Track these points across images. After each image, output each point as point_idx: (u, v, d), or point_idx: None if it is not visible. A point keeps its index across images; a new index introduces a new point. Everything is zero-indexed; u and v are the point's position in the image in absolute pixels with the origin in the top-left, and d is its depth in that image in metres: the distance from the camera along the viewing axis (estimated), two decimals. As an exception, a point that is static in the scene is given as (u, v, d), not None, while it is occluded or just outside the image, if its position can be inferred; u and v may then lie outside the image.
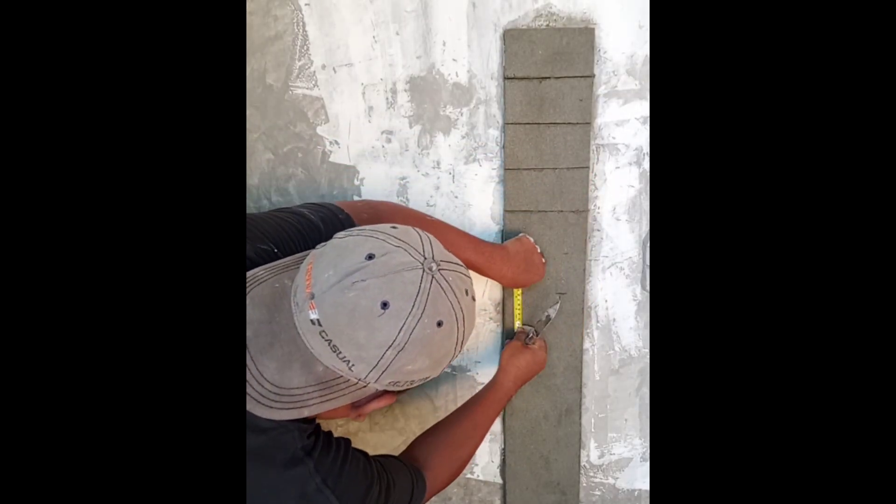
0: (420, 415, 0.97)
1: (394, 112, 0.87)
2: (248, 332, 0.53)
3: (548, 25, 0.83)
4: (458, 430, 0.76)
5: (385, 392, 0.59)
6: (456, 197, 0.89)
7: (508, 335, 0.91)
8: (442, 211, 0.89)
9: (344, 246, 0.53)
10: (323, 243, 0.57)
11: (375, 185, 0.89)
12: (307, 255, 0.56)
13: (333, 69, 0.85)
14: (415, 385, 0.57)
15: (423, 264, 0.52)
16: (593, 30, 0.82)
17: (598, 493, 0.99)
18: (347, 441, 0.63)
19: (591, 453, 0.98)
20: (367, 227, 0.56)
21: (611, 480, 0.99)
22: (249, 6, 0.83)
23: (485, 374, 0.95)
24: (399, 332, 0.51)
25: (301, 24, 0.84)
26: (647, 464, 0.98)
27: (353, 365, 0.52)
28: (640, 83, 0.84)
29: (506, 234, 0.89)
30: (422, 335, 0.52)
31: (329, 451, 0.59)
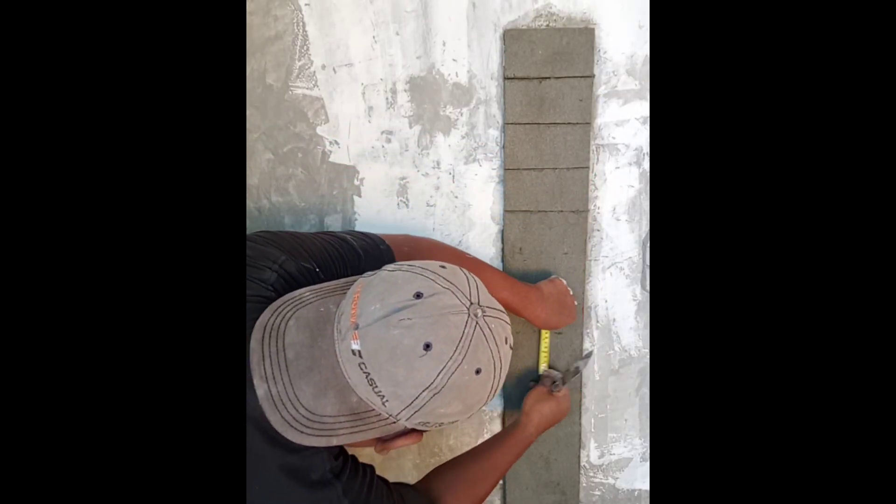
0: (420, 415, 0.97)
1: (394, 112, 0.87)
2: (290, 354, 0.53)
3: (548, 25, 0.83)
4: (475, 469, 0.76)
5: (412, 430, 0.58)
6: (456, 197, 0.89)
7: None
8: (442, 211, 0.89)
9: (393, 280, 0.53)
10: (372, 272, 0.57)
11: (375, 185, 0.89)
12: (355, 282, 0.56)
13: (333, 69, 0.85)
14: (442, 427, 0.57)
15: (469, 309, 0.52)
16: (593, 30, 0.82)
17: (598, 493, 0.99)
18: (372, 468, 0.64)
19: (591, 453, 0.98)
20: (417, 263, 0.56)
21: (611, 480, 0.99)
22: (249, 6, 0.83)
23: (485, 374, 0.95)
24: (438, 376, 0.51)
25: (301, 24, 0.84)
26: (647, 464, 0.98)
27: (387, 400, 0.52)
28: (640, 83, 0.84)
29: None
30: (460, 381, 0.52)
31: (356, 476, 0.59)
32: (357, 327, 0.51)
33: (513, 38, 0.83)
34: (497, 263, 0.91)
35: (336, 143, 0.88)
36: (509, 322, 0.58)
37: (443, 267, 0.56)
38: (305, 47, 0.85)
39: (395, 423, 0.54)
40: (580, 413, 0.94)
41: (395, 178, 0.89)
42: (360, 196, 0.90)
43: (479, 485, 0.75)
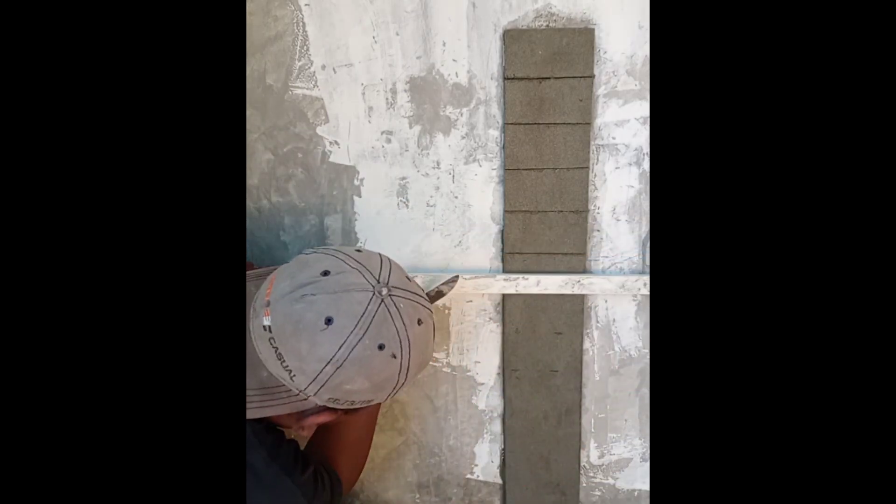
0: (420, 415, 0.97)
1: (394, 112, 0.87)
2: None
3: (548, 26, 0.83)
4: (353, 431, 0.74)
5: (326, 408, 0.59)
6: (456, 197, 0.89)
7: None
8: (442, 211, 0.89)
9: (305, 261, 0.56)
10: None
11: (375, 185, 0.89)
12: (275, 269, 0.59)
13: (333, 69, 0.86)
14: (356, 406, 0.57)
15: (374, 287, 0.54)
16: (593, 30, 0.82)
17: (598, 493, 0.99)
18: (296, 443, 0.65)
19: (591, 453, 0.98)
20: (335, 246, 0.58)
21: (611, 480, 0.99)
22: (249, 6, 0.83)
23: (485, 374, 0.95)
24: (339, 349, 0.52)
25: (301, 24, 0.84)
26: (647, 464, 0.98)
27: (294, 375, 0.53)
28: (640, 83, 0.84)
29: (504, 236, 0.89)
30: (361, 355, 0.53)
31: (281, 444, 0.61)
32: (269, 304, 0.53)
33: (513, 39, 0.83)
34: (497, 264, 0.91)
35: (336, 143, 0.88)
36: (429, 307, 0.58)
37: (358, 251, 0.57)
38: (305, 47, 0.85)
39: (305, 399, 0.55)
40: (580, 413, 0.94)
41: (395, 178, 0.89)
42: (359, 196, 0.90)
43: (361, 445, 0.74)
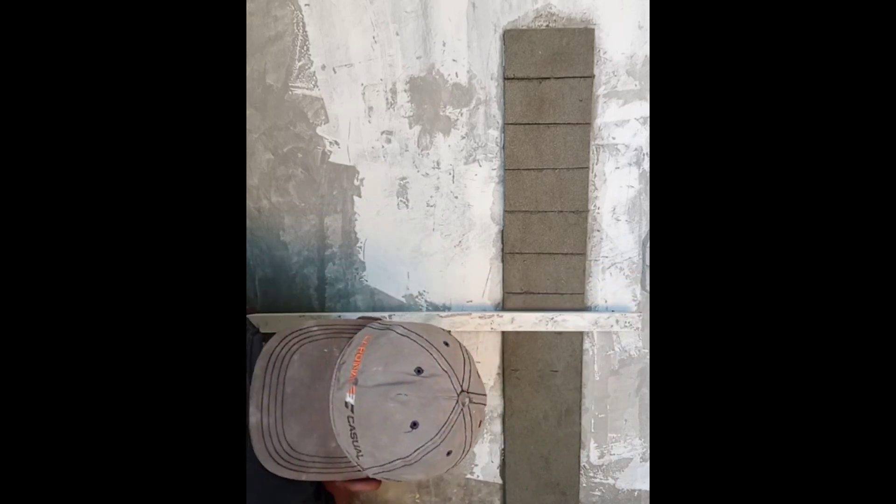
0: (420, 415, 0.97)
1: (394, 112, 0.87)
2: (288, 389, 0.56)
3: (548, 26, 0.83)
4: None
5: (372, 479, 0.62)
6: (456, 197, 0.89)
7: None
8: (442, 211, 0.89)
9: (400, 346, 0.57)
10: (381, 325, 0.60)
11: (375, 185, 0.89)
12: (361, 329, 0.59)
13: (333, 69, 0.86)
14: (400, 481, 0.60)
15: (458, 397, 0.56)
16: (593, 30, 0.82)
17: (598, 493, 0.99)
18: None
19: (591, 453, 0.98)
20: (424, 334, 0.59)
21: (611, 480, 0.99)
22: (249, 6, 0.83)
23: (485, 374, 0.95)
24: (415, 452, 0.55)
25: (301, 24, 0.84)
26: (647, 464, 0.98)
27: (362, 455, 0.55)
28: (640, 83, 0.84)
29: (505, 237, 0.89)
30: (432, 460, 0.56)
31: None
32: (356, 382, 0.54)
33: (513, 39, 0.83)
34: (497, 264, 0.91)
35: (336, 143, 0.88)
36: (485, 404, 0.62)
37: (446, 344, 0.58)
38: (305, 47, 0.85)
39: (360, 471, 0.58)
40: (580, 413, 0.94)
41: (395, 178, 0.89)
42: (359, 196, 0.90)
43: None
